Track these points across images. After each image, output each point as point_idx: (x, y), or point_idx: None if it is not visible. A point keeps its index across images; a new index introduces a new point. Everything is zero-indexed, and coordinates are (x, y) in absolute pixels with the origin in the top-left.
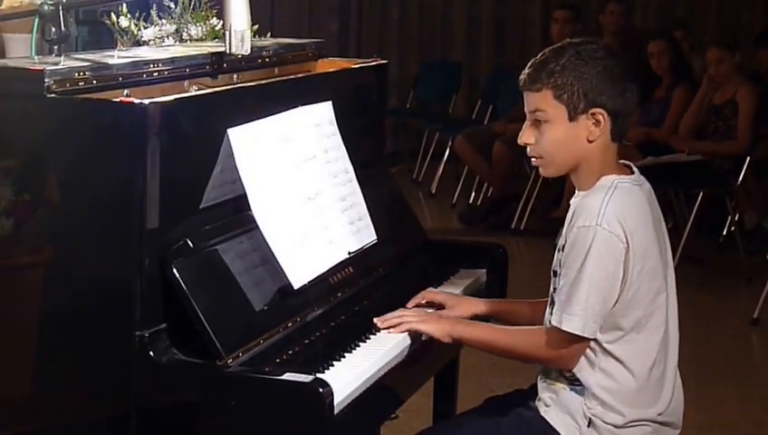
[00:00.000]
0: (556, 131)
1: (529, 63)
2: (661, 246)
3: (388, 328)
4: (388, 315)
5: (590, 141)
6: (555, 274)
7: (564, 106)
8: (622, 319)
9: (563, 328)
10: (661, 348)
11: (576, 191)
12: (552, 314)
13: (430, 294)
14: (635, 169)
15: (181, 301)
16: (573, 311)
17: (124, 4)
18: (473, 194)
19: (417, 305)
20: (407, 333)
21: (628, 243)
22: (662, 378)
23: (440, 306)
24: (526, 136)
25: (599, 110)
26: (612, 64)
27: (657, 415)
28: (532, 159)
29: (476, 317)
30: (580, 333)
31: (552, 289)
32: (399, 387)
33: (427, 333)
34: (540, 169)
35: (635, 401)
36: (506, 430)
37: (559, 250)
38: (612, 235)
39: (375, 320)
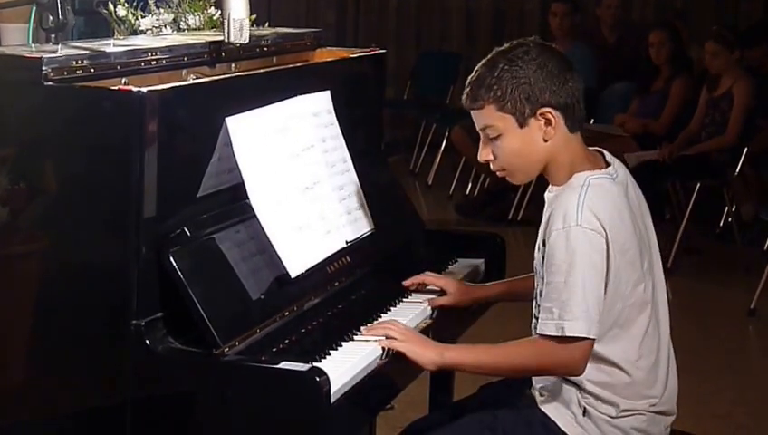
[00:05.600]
0: (511, 142)
1: (467, 83)
2: (641, 237)
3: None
4: (374, 325)
5: (547, 141)
6: (537, 272)
7: (511, 115)
8: (606, 314)
9: (568, 334)
10: (647, 339)
11: (550, 186)
12: (538, 311)
13: (431, 277)
14: (609, 157)
15: (178, 290)
16: (575, 315)
17: None
18: (470, 185)
19: (418, 290)
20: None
21: (607, 237)
22: (654, 368)
23: (442, 292)
24: (484, 154)
25: (546, 109)
26: (546, 60)
27: (650, 405)
28: (498, 173)
29: (479, 302)
30: (587, 335)
31: (536, 288)
32: (396, 377)
33: (410, 359)
34: (509, 179)
35: (627, 392)
36: (502, 421)
37: (538, 248)
38: (594, 232)
39: (363, 329)
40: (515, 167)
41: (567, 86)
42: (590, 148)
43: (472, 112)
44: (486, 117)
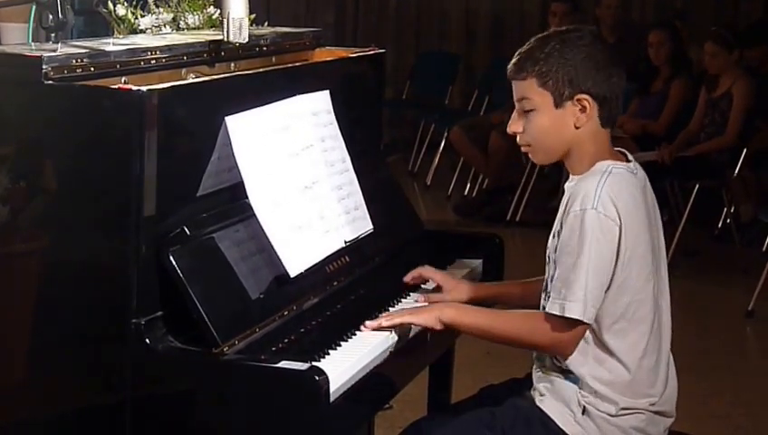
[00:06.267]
0: (543, 119)
1: (516, 53)
2: (653, 236)
3: (377, 327)
4: (376, 321)
5: (578, 127)
6: (550, 259)
7: (550, 93)
8: (612, 305)
9: (566, 314)
10: (652, 338)
11: (570, 176)
12: (546, 300)
13: (429, 271)
14: (630, 157)
15: (178, 289)
16: (575, 296)
17: None
18: (468, 185)
19: (416, 290)
20: (401, 325)
21: (621, 225)
22: (655, 368)
23: (437, 288)
24: (514, 125)
25: (584, 96)
26: (597, 50)
27: (650, 405)
28: (522, 147)
29: (476, 301)
30: (581, 318)
31: (547, 275)
32: (394, 376)
33: (417, 323)
34: (530, 156)
35: (628, 391)
36: (501, 420)
37: (554, 235)
38: (608, 218)
39: (362, 326)
40: (540, 145)
41: (611, 81)
42: (615, 148)
43: (513, 82)
44: (526, 89)
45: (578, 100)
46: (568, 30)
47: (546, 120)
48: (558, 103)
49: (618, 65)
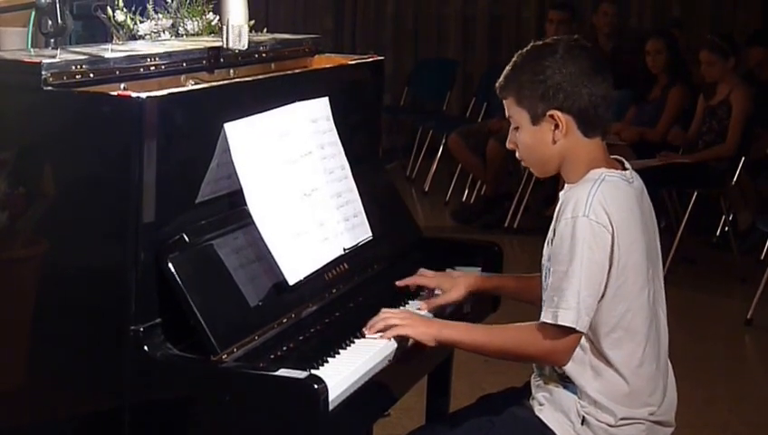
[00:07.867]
0: (525, 136)
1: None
2: (649, 244)
3: (376, 333)
4: (374, 320)
5: (555, 142)
6: (544, 268)
7: (526, 111)
8: (608, 314)
9: (559, 322)
10: (649, 347)
11: (565, 185)
12: (543, 306)
13: (423, 279)
14: (628, 165)
15: (176, 296)
16: (567, 304)
17: None
18: (466, 192)
19: (415, 296)
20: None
21: (613, 233)
22: (654, 377)
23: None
24: (510, 141)
25: (555, 112)
26: (568, 63)
27: (649, 414)
28: (522, 163)
29: (475, 295)
30: (575, 326)
31: (544, 284)
32: (393, 385)
33: (412, 337)
34: (531, 169)
35: (627, 400)
36: (500, 429)
37: (548, 243)
38: (600, 225)
39: (364, 330)
40: (530, 161)
41: (584, 91)
42: (612, 156)
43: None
44: (508, 107)
45: (550, 116)
46: (544, 45)
47: (527, 137)
48: (534, 121)
49: (596, 73)
